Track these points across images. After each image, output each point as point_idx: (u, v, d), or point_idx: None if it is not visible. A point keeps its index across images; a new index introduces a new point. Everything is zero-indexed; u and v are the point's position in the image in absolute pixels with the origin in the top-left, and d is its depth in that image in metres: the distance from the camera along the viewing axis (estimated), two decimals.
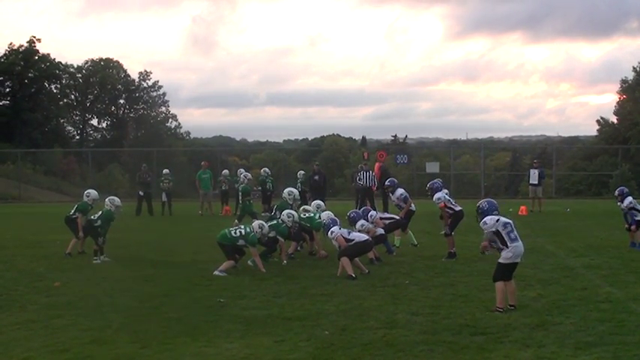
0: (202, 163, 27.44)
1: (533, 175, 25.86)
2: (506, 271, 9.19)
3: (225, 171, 27.37)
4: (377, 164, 25.12)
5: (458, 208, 14.04)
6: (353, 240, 12.16)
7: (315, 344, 7.67)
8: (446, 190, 14.62)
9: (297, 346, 7.63)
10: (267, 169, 26.99)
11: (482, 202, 9.67)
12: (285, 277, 11.95)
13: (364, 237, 12.43)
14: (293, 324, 8.58)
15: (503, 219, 9.28)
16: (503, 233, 9.14)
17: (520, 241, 9.25)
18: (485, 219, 9.31)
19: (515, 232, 9.25)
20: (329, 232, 12.44)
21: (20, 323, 8.77)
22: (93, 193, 15.38)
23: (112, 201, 14.41)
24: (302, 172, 25.08)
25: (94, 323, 8.71)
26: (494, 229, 9.18)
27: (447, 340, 7.72)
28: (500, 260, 9.21)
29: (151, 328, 8.41)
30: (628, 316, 8.83)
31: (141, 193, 25.52)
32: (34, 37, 60.60)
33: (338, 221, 12.84)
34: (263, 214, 24.97)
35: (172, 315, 9.17)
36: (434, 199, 13.97)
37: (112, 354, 7.38)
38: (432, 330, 8.19)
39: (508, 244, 9.11)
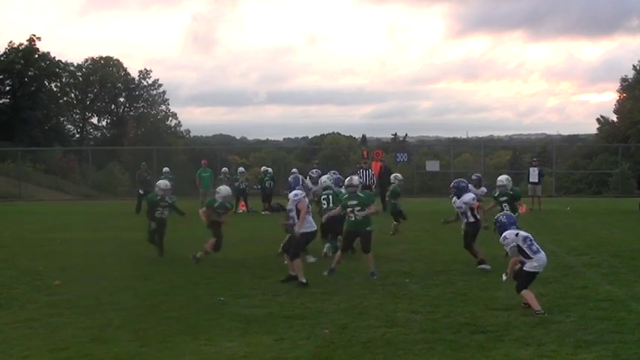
0: (202, 161, 27.44)
1: (533, 174, 25.86)
2: (530, 280, 9.15)
3: (225, 169, 27.37)
4: (374, 163, 25.12)
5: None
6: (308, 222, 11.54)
7: (315, 343, 7.67)
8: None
9: (297, 344, 7.63)
10: (266, 167, 27.07)
11: (501, 216, 9.72)
12: (285, 275, 11.93)
13: (314, 227, 11.69)
14: (293, 322, 8.57)
15: (522, 233, 9.25)
16: (524, 247, 9.13)
17: (542, 252, 9.25)
18: (505, 234, 9.29)
19: (536, 245, 9.23)
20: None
21: (20, 322, 8.77)
22: (162, 183, 15.04)
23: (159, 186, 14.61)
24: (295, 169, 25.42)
25: (94, 322, 8.71)
26: (514, 244, 9.16)
27: (446, 339, 7.72)
28: (525, 268, 9.16)
29: (150, 327, 8.40)
30: (628, 314, 8.83)
31: (141, 191, 25.51)
32: (34, 35, 60.73)
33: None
34: (263, 213, 25.06)
35: (172, 313, 9.16)
36: (466, 200, 12.50)
37: (111, 352, 7.38)
38: (432, 328, 8.19)
39: (531, 256, 9.11)
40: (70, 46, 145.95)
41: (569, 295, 10.05)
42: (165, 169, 26.90)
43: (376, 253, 14.39)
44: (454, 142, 72.71)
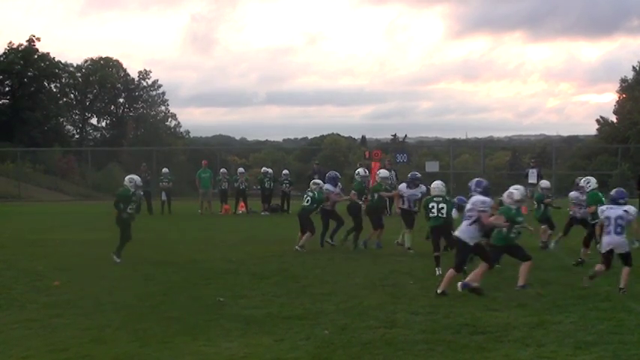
0: (203, 161, 27.45)
1: (532, 175, 25.85)
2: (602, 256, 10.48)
3: (223, 169, 27.35)
4: (373, 164, 25.16)
5: None
6: None
7: (314, 343, 7.67)
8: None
9: (297, 345, 7.63)
10: (266, 168, 27.11)
11: (613, 191, 10.88)
12: (285, 276, 11.95)
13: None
14: (292, 323, 8.57)
15: (607, 212, 10.43)
16: (604, 225, 10.42)
17: (614, 236, 10.25)
18: (601, 207, 10.86)
19: (612, 227, 10.26)
20: None
21: (19, 322, 8.76)
22: (138, 178, 14.64)
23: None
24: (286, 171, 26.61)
25: (94, 322, 8.70)
26: (602, 217, 10.51)
27: (446, 339, 7.71)
28: None
29: (150, 327, 8.40)
30: (627, 315, 8.83)
31: (140, 192, 25.51)
32: (34, 36, 60.73)
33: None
34: (263, 213, 25.08)
35: (172, 314, 9.16)
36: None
37: (111, 353, 7.37)
38: (432, 329, 8.19)
39: (604, 235, 10.42)
40: (69, 46, 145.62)
41: (568, 295, 10.05)
42: (165, 169, 26.92)
43: (376, 254, 14.46)
44: (454, 142, 72.61)
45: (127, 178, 14.58)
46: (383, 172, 16.58)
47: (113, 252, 13.75)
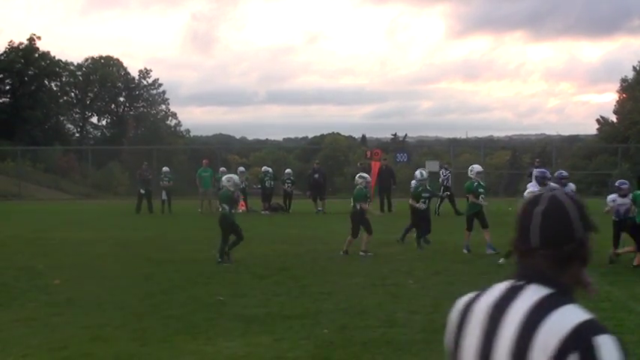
0: (204, 160, 27.45)
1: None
2: None
3: (223, 168, 27.33)
4: (374, 163, 25.17)
5: None
6: None
7: (314, 343, 7.67)
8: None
9: (297, 344, 7.63)
10: (267, 167, 27.14)
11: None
12: (285, 275, 11.95)
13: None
14: (292, 322, 8.57)
15: None
16: None
17: None
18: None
19: None
20: None
21: (20, 320, 8.77)
22: (237, 178, 14.49)
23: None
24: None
25: (94, 321, 8.71)
26: None
27: None
28: None
29: (150, 326, 8.41)
30: (628, 315, 8.83)
31: (141, 191, 25.54)
32: (35, 34, 60.73)
33: None
34: (263, 212, 25.08)
35: (172, 313, 9.16)
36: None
37: (111, 351, 7.38)
38: (432, 329, 8.18)
39: None
40: (70, 45, 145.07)
41: None
42: (165, 168, 26.91)
43: (376, 253, 14.45)
44: (454, 142, 72.59)
45: (224, 178, 14.12)
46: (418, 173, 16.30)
47: (221, 253, 13.47)
